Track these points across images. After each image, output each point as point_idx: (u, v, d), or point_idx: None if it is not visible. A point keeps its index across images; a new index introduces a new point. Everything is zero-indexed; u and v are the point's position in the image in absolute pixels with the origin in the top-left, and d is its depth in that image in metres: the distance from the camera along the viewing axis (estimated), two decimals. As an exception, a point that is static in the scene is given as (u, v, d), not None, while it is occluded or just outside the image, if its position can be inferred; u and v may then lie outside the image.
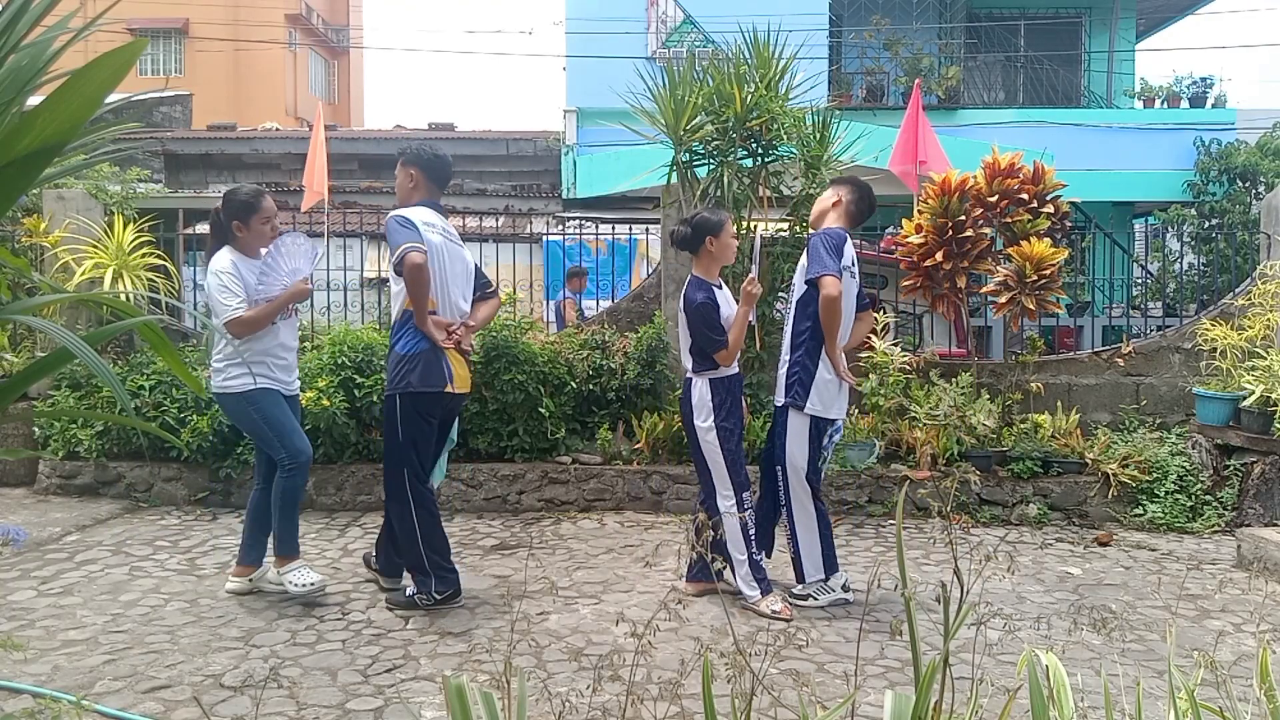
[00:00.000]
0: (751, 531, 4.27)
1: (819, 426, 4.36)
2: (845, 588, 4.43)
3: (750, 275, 4.31)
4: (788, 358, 4.43)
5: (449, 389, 4.22)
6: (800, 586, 4.42)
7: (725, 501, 4.29)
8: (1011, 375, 6.85)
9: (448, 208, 12.59)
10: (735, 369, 4.38)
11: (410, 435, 4.21)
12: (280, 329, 4.42)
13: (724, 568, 4.80)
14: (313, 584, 4.37)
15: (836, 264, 4.26)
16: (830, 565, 4.39)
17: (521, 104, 68.53)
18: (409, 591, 4.30)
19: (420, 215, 4.21)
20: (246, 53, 24.17)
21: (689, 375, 4.39)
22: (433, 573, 4.24)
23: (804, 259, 4.43)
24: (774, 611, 4.22)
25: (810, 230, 4.62)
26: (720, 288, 4.40)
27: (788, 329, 4.49)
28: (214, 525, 5.76)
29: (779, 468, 4.41)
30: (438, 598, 4.24)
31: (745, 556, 4.26)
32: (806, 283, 4.34)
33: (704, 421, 4.29)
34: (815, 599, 4.36)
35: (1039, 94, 15.35)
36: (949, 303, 6.79)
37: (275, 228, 4.45)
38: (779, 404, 4.46)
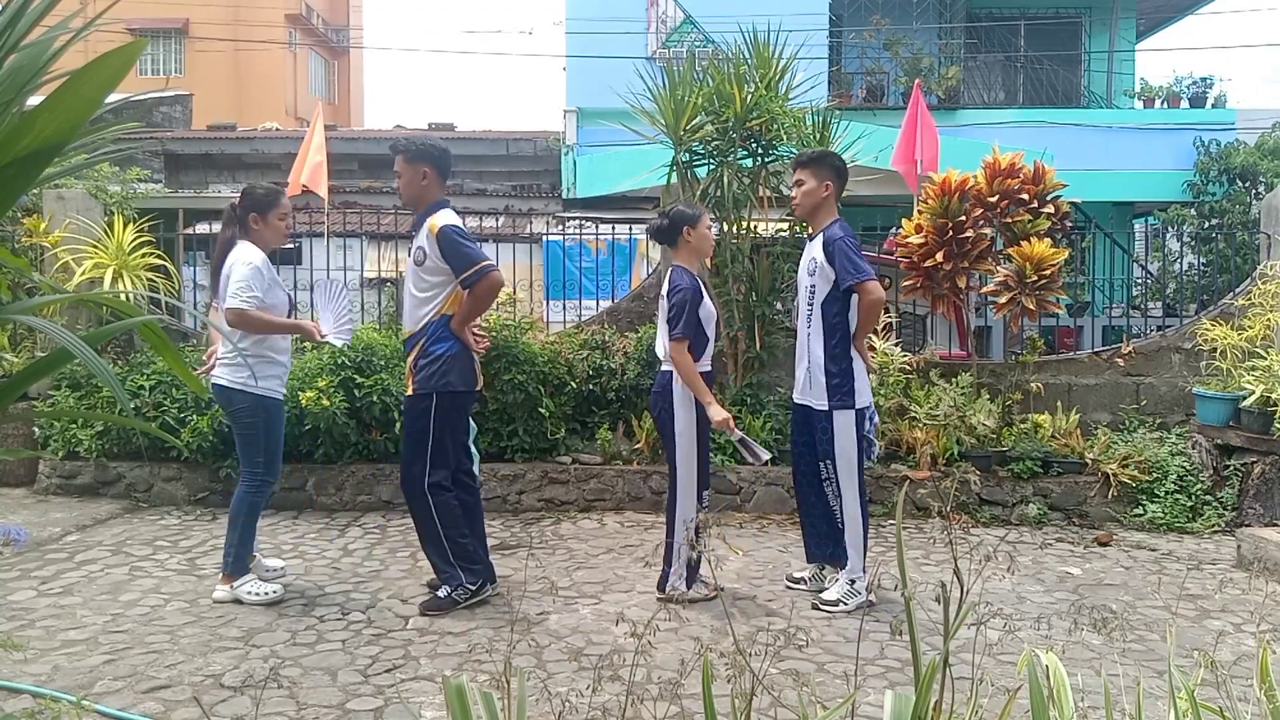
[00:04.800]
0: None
1: (860, 416, 4.40)
2: (868, 588, 4.45)
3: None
4: (821, 361, 4.34)
5: (478, 387, 4.40)
6: (832, 590, 4.41)
7: (687, 500, 4.33)
8: (1011, 375, 6.85)
9: (448, 208, 12.45)
10: (709, 365, 4.45)
11: (446, 432, 4.26)
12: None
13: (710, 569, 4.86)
14: (271, 593, 4.34)
15: (868, 265, 4.36)
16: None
17: (521, 104, 68.59)
18: (442, 593, 4.28)
19: (458, 220, 4.27)
20: (246, 53, 24.17)
21: (669, 369, 4.36)
22: (457, 564, 4.26)
23: (820, 259, 4.32)
24: (703, 595, 4.39)
25: (805, 221, 4.54)
26: (702, 281, 4.48)
27: (814, 332, 4.37)
28: (214, 525, 5.75)
29: (827, 463, 4.37)
30: (471, 589, 4.26)
31: (688, 554, 4.29)
32: (846, 288, 4.29)
33: (685, 417, 4.32)
34: (845, 605, 4.33)
35: (1039, 94, 15.34)
36: (949, 303, 6.79)
37: (290, 226, 4.55)
38: (821, 409, 4.36)
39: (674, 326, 4.27)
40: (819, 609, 4.34)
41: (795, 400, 4.59)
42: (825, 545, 4.57)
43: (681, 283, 4.31)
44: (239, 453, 4.48)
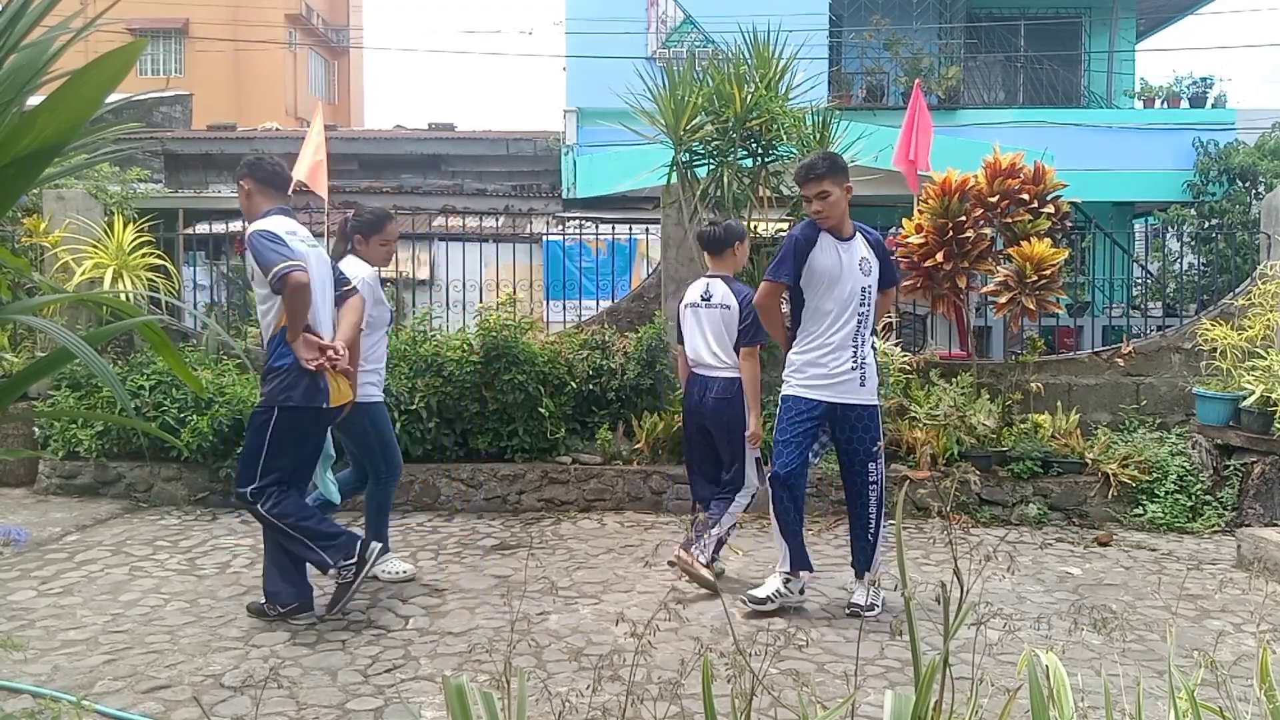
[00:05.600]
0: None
1: None
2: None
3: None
4: (874, 358, 4.35)
5: (326, 405, 4.04)
6: (860, 593, 4.33)
7: (749, 488, 4.65)
8: (1011, 375, 6.85)
9: (448, 208, 12.57)
10: None
11: (279, 449, 4.01)
12: (387, 340, 4.79)
13: (722, 569, 4.86)
14: (401, 572, 4.71)
15: None
16: None
17: (521, 104, 68.60)
18: (259, 603, 4.16)
19: (281, 225, 4.02)
20: (246, 53, 24.16)
21: (736, 375, 4.58)
22: (284, 584, 4.09)
23: (872, 260, 4.32)
24: (716, 575, 4.58)
25: (831, 223, 4.30)
26: None
27: (868, 331, 4.33)
28: (214, 525, 5.76)
29: (878, 463, 4.33)
30: (282, 610, 4.07)
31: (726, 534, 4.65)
32: (889, 285, 4.53)
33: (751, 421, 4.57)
34: (878, 606, 4.30)
35: (1039, 94, 15.34)
36: (949, 303, 6.79)
37: (392, 251, 4.78)
38: (873, 404, 4.35)
39: (750, 335, 4.55)
40: (860, 615, 4.23)
41: (827, 399, 4.29)
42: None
43: (748, 292, 4.56)
44: (360, 455, 4.73)
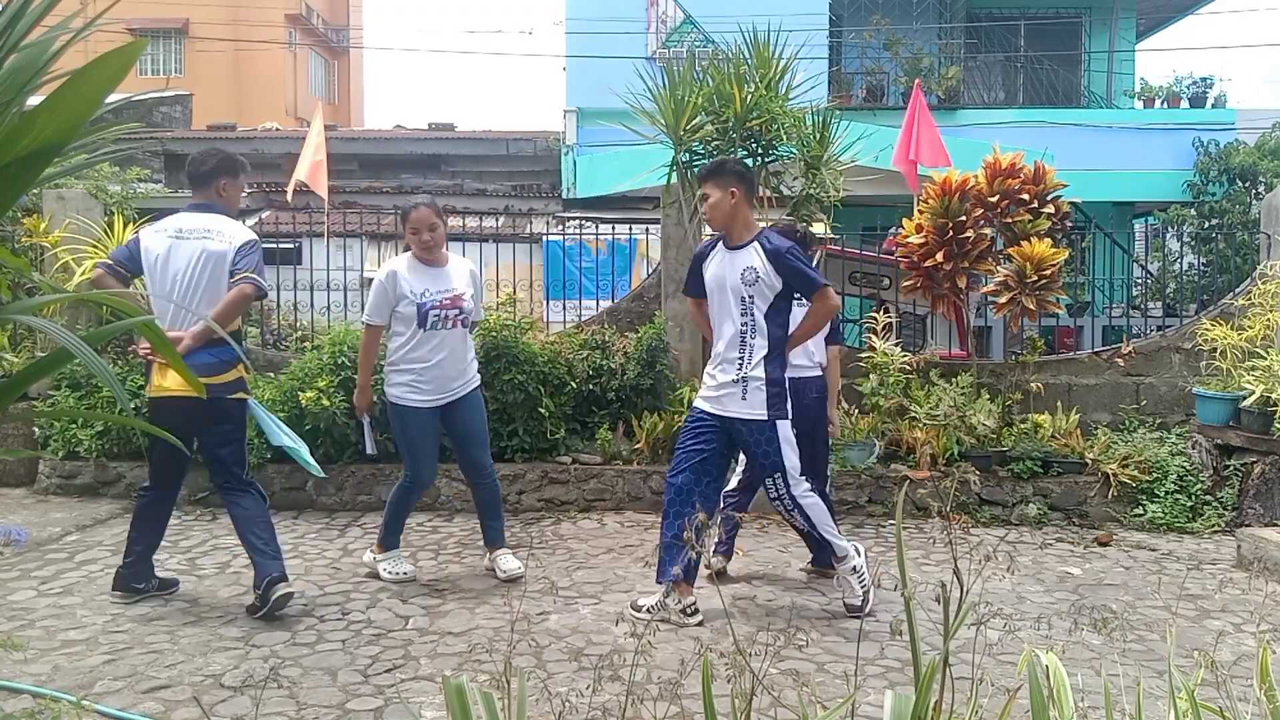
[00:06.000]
0: None
1: (790, 421, 4.25)
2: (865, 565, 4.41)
3: None
4: (763, 374, 4.11)
5: (149, 392, 4.23)
6: (849, 592, 4.30)
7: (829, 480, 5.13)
8: (1011, 375, 6.85)
9: (448, 208, 12.59)
10: None
11: (154, 436, 4.22)
12: (435, 339, 4.55)
13: (723, 569, 4.86)
14: (404, 574, 4.72)
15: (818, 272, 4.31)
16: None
17: (521, 104, 68.63)
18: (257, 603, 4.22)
19: (155, 224, 4.28)
20: (246, 53, 24.17)
21: (820, 373, 4.90)
22: (130, 558, 4.34)
23: (762, 269, 4.08)
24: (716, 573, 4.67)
25: (720, 232, 4.24)
26: None
27: (757, 344, 4.13)
28: (214, 525, 5.75)
29: (776, 477, 4.17)
30: (259, 591, 4.10)
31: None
32: (808, 296, 4.20)
33: None
34: (867, 586, 4.25)
35: (1039, 94, 15.35)
36: (949, 303, 6.79)
37: (425, 240, 4.55)
38: (759, 419, 4.11)
39: (834, 334, 4.93)
40: (859, 616, 4.19)
41: (713, 411, 4.18)
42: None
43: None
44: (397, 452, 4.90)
